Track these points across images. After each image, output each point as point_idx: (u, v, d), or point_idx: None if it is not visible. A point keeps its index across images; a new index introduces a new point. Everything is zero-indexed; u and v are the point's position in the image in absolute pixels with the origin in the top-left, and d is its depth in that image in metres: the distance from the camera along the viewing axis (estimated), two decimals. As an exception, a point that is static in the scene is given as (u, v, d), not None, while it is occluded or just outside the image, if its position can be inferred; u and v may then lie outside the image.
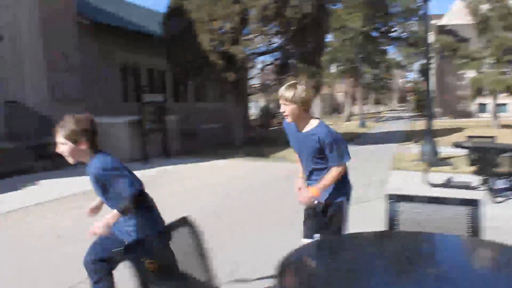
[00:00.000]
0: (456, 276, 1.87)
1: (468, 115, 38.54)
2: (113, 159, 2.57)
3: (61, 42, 12.85)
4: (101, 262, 2.72)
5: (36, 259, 4.40)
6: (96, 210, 2.84)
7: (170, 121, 13.74)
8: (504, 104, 35.09)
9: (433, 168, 8.86)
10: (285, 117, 2.99)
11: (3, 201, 7.06)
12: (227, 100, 18.41)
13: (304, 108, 2.92)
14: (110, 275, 2.76)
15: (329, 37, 27.00)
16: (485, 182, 6.68)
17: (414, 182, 7.75)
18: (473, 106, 38.59)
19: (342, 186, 3.08)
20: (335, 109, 54.32)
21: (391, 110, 64.30)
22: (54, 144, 2.58)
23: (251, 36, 14.18)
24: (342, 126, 28.25)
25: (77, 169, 10.47)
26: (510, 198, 6.40)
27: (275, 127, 26.74)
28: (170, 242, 2.35)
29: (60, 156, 2.62)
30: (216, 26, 13.71)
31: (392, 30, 35.91)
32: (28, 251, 4.67)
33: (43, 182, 8.80)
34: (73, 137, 2.51)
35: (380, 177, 8.61)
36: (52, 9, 12.41)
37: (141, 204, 2.61)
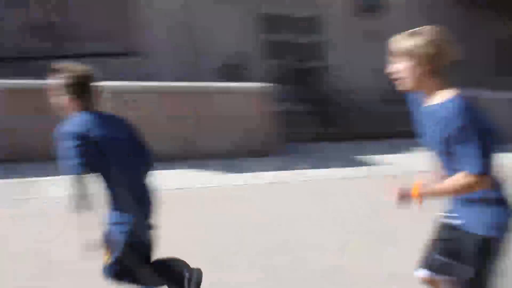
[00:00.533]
0: None
1: None
2: (86, 124, 2.24)
3: (437, 13, 13.03)
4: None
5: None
6: None
7: None
8: None
9: None
10: (398, 82, 1.97)
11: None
12: None
13: (428, 68, 1.89)
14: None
15: None
16: None
17: None
18: None
19: (491, 210, 1.96)
20: None
21: None
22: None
23: None
24: None
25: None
26: None
27: None
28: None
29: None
30: None
31: None
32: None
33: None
34: (61, 90, 2.27)
35: None
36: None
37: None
